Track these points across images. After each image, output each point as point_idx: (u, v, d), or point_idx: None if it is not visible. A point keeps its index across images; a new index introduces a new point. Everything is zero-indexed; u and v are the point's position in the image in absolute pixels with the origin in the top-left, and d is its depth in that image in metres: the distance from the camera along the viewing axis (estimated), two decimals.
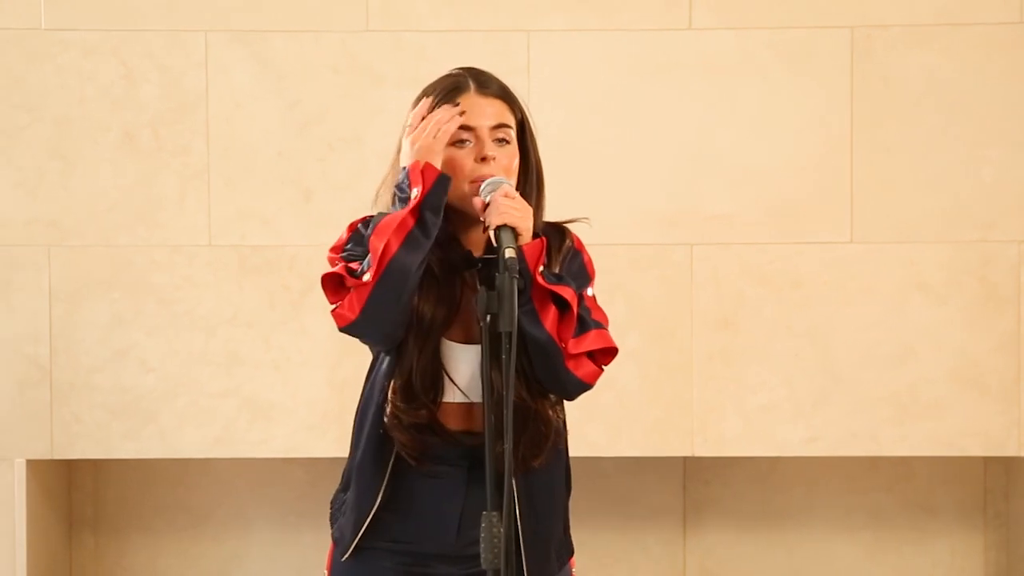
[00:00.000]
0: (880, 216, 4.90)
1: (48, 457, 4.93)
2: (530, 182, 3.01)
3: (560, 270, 2.95)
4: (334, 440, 4.89)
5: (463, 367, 2.94)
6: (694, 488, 5.32)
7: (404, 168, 2.91)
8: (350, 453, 3.06)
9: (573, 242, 3.02)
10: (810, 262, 4.91)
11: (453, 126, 2.91)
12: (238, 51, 4.89)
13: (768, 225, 4.91)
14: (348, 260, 2.92)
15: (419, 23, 4.90)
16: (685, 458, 5.24)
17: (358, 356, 4.80)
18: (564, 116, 4.84)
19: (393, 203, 2.91)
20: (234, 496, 5.32)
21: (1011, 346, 4.90)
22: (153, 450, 4.93)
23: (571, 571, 3.09)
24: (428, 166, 2.87)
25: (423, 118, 2.95)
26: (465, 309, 2.96)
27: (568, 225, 3.06)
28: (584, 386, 2.93)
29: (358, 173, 4.89)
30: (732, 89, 4.91)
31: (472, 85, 2.96)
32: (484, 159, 2.92)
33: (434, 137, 2.90)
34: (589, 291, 2.99)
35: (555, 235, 3.00)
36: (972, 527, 5.30)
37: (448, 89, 2.98)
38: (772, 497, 5.32)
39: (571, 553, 3.09)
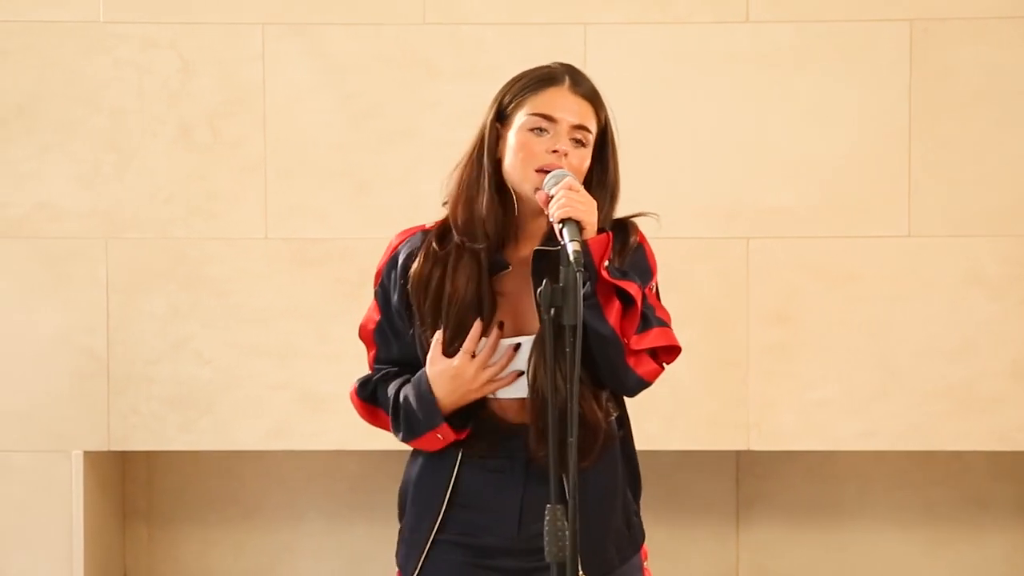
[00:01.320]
0: (938, 210, 4.88)
1: (105, 449, 4.95)
2: (606, 189, 2.98)
3: (624, 265, 2.93)
4: (388, 433, 4.88)
5: (519, 363, 2.95)
6: (747, 482, 5.30)
7: (429, 390, 2.95)
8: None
9: (638, 237, 3.01)
10: (867, 256, 4.89)
11: (502, 383, 2.95)
12: (295, 44, 4.90)
13: (825, 219, 4.89)
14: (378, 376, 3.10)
15: (476, 16, 4.89)
16: (738, 452, 5.23)
17: None
18: (620, 109, 4.81)
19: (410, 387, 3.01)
20: (286, 488, 5.33)
21: None
22: (208, 442, 4.95)
23: (642, 564, 3.08)
24: (447, 430, 2.94)
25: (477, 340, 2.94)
26: (514, 302, 2.97)
27: (634, 219, 3.05)
28: (644, 383, 2.91)
29: (413, 166, 4.89)
30: (790, 82, 4.89)
31: (567, 80, 2.95)
32: (556, 152, 2.90)
33: (481, 385, 2.93)
34: (652, 286, 2.98)
35: (620, 230, 2.98)
36: None
37: (541, 78, 2.96)
38: (825, 492, 5.31)
39: (636, 547, 3.08)
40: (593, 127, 2.96)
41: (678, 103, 4.92)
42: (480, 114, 4.73)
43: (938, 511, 5.29)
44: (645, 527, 3.11)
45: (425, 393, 2.95)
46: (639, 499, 3.10)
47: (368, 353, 3.13)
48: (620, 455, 3.04)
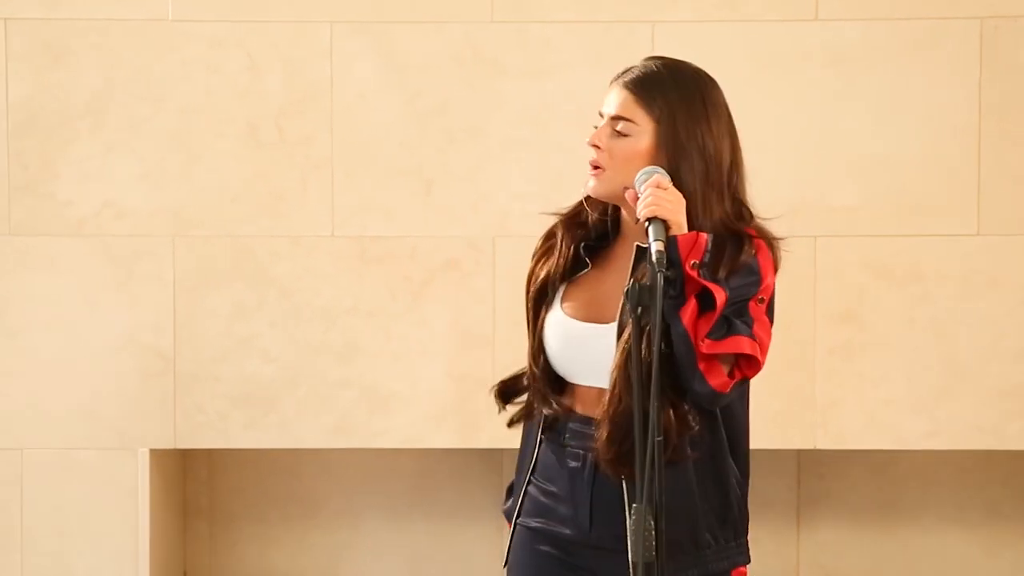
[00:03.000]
0: (1007, 208, 4.85)
1: (171, 447, 4.96)
2: (695, 179, 2.96)
3: (729, 273, 2.89)
4: (453, 431, 4.89)
5: (594, 352, 2.94)
6: (808, 481, 5.29)
7: None
8: None
9: (755, 249, 2.97)
10: (935, 255, 4.87)
11: None
12: (362, 42, 4.90)
13: (893, 217, 4.87)
14: None
15: (543, 14, 4.88)
16: (799, 451, 5.21)
17: (478, 348, 4.83)
18: None
19: None
20: (346, 486, 5.33)
21: None
22: (273, 440, 4.95)
23: None
24: None
25: None
26: (595, 291, 2.98)
27: (766, 222, 3.06)
28: (714, 393, 2.87)
29: (479, 165, 4.89)
30: (858, 80, 4.87)
31: (620, 75, 3.02)
32: (592, 145, 2.98)
33: None
34: (760, 298, 2.95)
35: (732, 240, 2.96)
36: None
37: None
38: (887, 491, 5.28)
39: (726, 562, 3.07)
40: (638, 117, 2.97)
41: (745, 101, 4.86)
42: (548, 112, 4.74)
43: (1001, 511, 5.27)
44: None
45: None
46: (733, 525, 3.08)
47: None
48: (698, 476, 3.00)
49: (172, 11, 4.90)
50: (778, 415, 4.91)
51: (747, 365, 2.90)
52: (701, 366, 2.83)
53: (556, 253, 3.04)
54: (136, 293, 4.92)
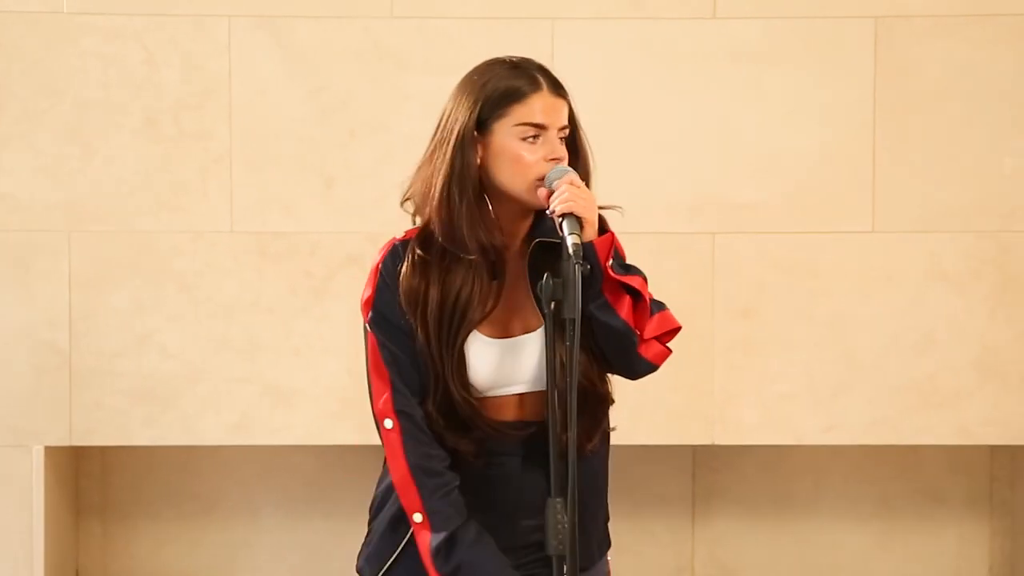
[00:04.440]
0: (901, 206, 4.92)
1: (67, 444, 4.90)
2: (587, 176, 3.00)
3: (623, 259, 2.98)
4: (354, 428, 4.88)
5: (514, 358, 2.95)
6: (703, 476, 5.33)
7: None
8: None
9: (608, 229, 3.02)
10: (832, 251, 4.93)
11: None
12: (262, 37, 4.87)
13: (790, 214, 4.93)
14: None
15: (444, 10, 4.89)
16: (695, 446, 5.25)
17: None
18: (587, 104, 4.81)
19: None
20: (242, 483, 5.30)
21: None
22: (173, 437, 4.91)
23: (608, 564, 3.10)
24: None
25: None
26: (508, 300, 2.97)
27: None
28: (653, 367, 2.97)
29: (381, 160, 4.88)
30: (756, 78, 4.92)
31: (544, 84, 2.94)
32: (555, 159, 2.91)
33: None
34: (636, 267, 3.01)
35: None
36: (978, 515, 5.33)
37: (521, 85, 2.94)
38: (781, 486, 5.34)
39: (609, 545, 3.11)
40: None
41: (644, 98, 4.94)
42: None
43: (893, 504, 5.34)
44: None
45: None
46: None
47: (381, 396, 2.98)
48: (604, 466, 3.07)
49: (68, 3, 4.85)
50: (677, 410, 4.94)
51: (668, 334, 2.97)
52: (641, 349, 2.91)
53: (443, 273, 2.95)
54: (32, 288, 4.86)
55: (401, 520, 2.97)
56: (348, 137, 4.89)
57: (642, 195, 4.87)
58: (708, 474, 5.33)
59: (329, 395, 4.91)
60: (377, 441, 2.97)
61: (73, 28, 4.85)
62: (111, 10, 4.85)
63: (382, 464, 3.01)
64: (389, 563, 3.00)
